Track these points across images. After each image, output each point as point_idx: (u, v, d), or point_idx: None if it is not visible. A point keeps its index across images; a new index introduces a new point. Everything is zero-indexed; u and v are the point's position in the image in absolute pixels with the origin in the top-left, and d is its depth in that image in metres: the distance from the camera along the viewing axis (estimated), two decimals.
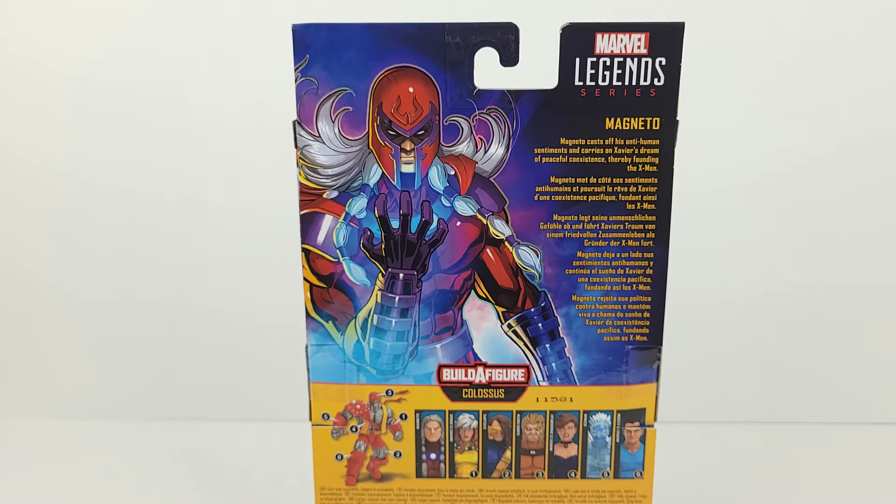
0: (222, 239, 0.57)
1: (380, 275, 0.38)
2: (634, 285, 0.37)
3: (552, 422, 0.40)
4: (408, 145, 0.36)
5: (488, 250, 0.38)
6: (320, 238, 0.37)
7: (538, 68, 0.36)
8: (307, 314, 0.38)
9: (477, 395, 0.39)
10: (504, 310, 0.38)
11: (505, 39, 0.34)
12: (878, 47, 0.53)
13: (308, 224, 0.37)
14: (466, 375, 0.39)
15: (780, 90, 0.53)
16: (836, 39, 0.53)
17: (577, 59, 0.34)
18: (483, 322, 0.38)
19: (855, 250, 0.56)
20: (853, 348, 0.57)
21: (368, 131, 0.36)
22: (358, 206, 0.37)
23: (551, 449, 0.40)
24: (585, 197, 0.36)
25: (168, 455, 0.55)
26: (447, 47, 0.34)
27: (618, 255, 0.37)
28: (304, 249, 0.37)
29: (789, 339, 0.57)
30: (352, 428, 0.40)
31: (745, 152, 0.55)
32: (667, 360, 0.47)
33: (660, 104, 0.34)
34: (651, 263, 0.37)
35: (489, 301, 0.38)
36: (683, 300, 0.52)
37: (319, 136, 0.36)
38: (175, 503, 0.49)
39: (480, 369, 0.39)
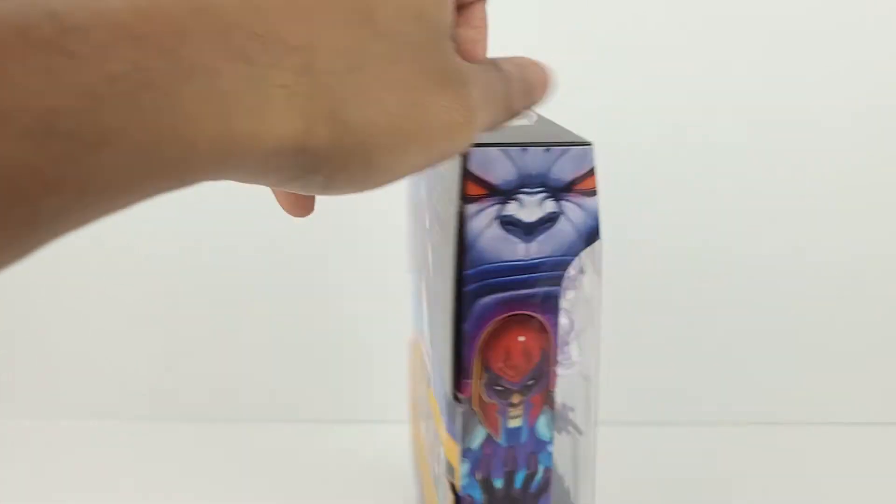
0: (222, 241, 0.56)
1: None
2: None
3: None
4: (516, 398, 0.31)
5: None
6: None
7: None
8: None
9: None
10: None
11: None
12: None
13: None
14: None
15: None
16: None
17: None
18: None
19: (855, 250, 0.56)
20: (853, 348, 0.57)
21: (473, 392, 0.30)
22: (461, 471, 0.31)
23: None
24: None
25: (168, 455, 0.54)
26: None
27: None
28: None
29: (789, 339, 0.57)
30: None
31: (743, 151, 0.55)
32: (667, 360, 0.50)
33: None
34: None
35: None
36: (683, 300, 0.53)
37: None
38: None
39: None
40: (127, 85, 0.15)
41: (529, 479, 0.32)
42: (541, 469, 0.32)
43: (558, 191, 0.29)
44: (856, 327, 0.56)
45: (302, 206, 0.26)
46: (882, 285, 0.56)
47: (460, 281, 0.29)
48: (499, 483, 0.32)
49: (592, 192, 0.29)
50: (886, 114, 0.54)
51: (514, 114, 0.24)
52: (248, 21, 0.17)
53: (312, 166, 0.19)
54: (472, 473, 0.32)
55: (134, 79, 0.15)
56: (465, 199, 0.28)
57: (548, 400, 0.32)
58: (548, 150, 0.28)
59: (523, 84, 0.24)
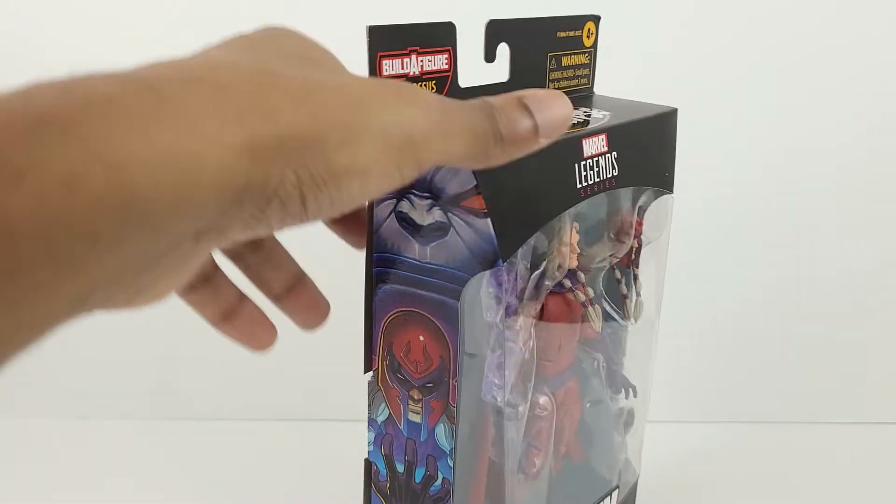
0: None
1: None
2: None
3: None
4: (416, 394, 0.32)
5: None
6: None
7: None
8: None
9: None
10: None
11: None
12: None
13: None
14: None
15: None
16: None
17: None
18: None
19: (855, 250, 0.55)
20: (853, 348, 0.57)
21: (378, 368, 0.32)
22: (367, 438, 0.34)
23: None
24: None
25: (169, 454, 0.54)
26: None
27: None
28: None
29: (789, 339, 0.57)
30: None
31: (743, 150, 0.55)
32: (667, 361, 0.45)
33: None
34: None
35: None
36: (683, 301, 0.49)
37: None
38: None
39: None
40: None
41: (429, 480, 0.33)
42: (440, 476, 0.32)
43: (446, 202, 0.28)
44: (856, 327, 0.56)
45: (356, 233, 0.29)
46: (882, 285, 0.56)
47: (370, 262, 0.31)
48: (400, 468, 0.33)
49: (482, 214, 0.27)
50: None
51: (504, 148, 0.22)
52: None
53: (265, 168, 0.18)
54: (376, 444, 0.34)
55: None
56: None
57: (447, 412, 0.31)
58: None
59: (518, 110, 0.23)
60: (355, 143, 0.19)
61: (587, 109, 0.35)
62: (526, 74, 0.35)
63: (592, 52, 0.39)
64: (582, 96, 0.38)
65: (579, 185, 0.31)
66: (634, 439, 0.42)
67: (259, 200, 0.18)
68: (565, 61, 0.37)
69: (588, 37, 0.38)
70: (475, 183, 0.27)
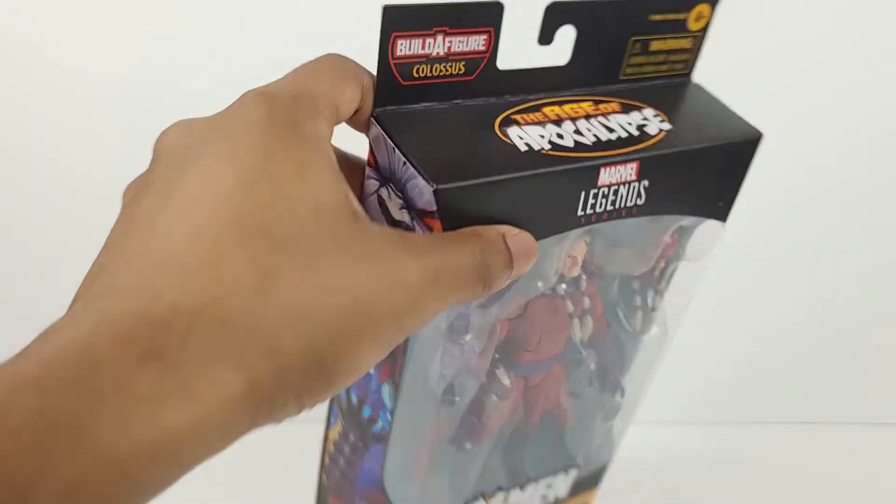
0: None
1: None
2: None
3: None
4: None
5: None
6: None
7: None
8: None
9: None
10: None
11: None
12: None
13: None
14: None
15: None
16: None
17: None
18: None
19: (855, 250, 0.55)
20: (853, 348, 0.57)
21: None
22: None
23: None
24: None
25: None
26: None
27: None
28: None
29: (789, 338, 0.57)
30: None
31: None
32: (668, 360, 0.46)
33: None
34: None
35: None
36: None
37: None
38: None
39: None
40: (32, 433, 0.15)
41: (372, 420, 0.35)
42: (381, 422, 0.34)
43: (413, 211, 0.27)
44: (856, 327, 0.55)
45: None
46: (882, 284, 0.55)
47: None
48: (354, 398, 0.36)
49: None
50: None
51: (493, 285, 0.24)
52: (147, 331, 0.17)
53: (269, 405, 0.19)
54: None
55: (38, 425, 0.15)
56: (368, 161, 0.29)
57: (393, 379, 0.32)
58: (405, 164, 0.26)
59: (503, 254, 0.25)
60: (352, 354, 0.20)
61: (646, 117, 0.31)
62: (594, 57, 0.31)
63: (699, 36, 0.33)
64: (665, 87, 0.34)
65: (580, 213, 0.29)
66: (614, 432, 0.41)
67: (259, 424, 0.19)
68: (655, 45, 0.33)
69: (698, 20, 0.33)
70: (433, 209, 0.26)
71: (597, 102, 0.31)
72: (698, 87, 0.34)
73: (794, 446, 0.55)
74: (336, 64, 0.26)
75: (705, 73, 0.35)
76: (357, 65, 0.27)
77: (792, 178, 0.51)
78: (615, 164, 0.28)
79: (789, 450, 0.55)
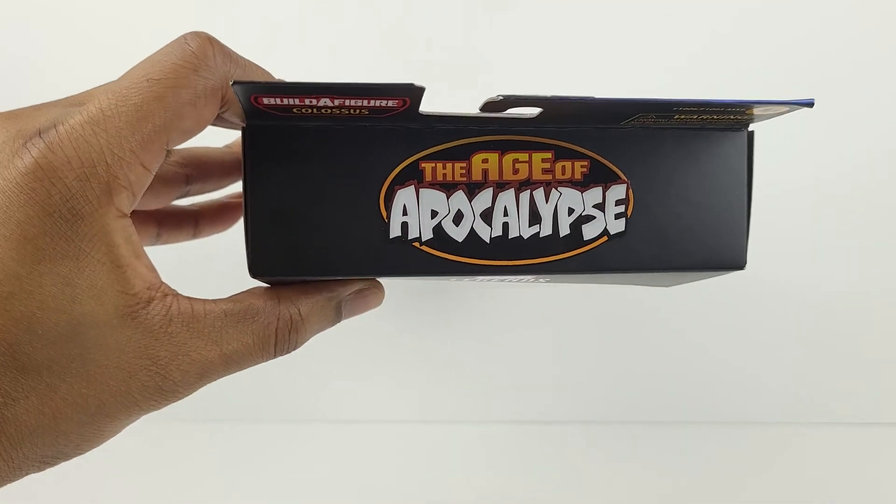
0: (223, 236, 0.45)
1: None
2: None
3: None
4: None
5: None
6: None
7: None
8: None
9: None
10: None
11: None
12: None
13: None
14: None
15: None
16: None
17: None
18: None
19: (855, 250, 0.55)
20: (853, 348, 0.57)
21: None
22: None
23: None
24: None
25: (169, 454, 0.53)
26: None
27: None
28: None
29: (788, 338, 0.57)
30: None
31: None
32: (667, 360, 0.51)
33: None
34: None
35: None
36: (684, 301, 0.52)
37: None
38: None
39: None
40: None
41: None
42: None
43: None
44: (856, 327, 0.56)
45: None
46: (881, 284, 0.55)
47: None
48: None
49: None
50: None
51: (289, 348, 0.25)
52: None
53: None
54: None
55: None
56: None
57: None
58: (244, 216, 0.23)
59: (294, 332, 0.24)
60: (97, 444, 0.24)
61: (605, 203, 0.24)
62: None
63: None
64: (687, 139, 0.25)
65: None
66: None
67: None
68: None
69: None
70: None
71: (559, 157, 0.24)
72: (736, 147, 0.25)
73: (795, 446, 0.54)
74: (192, 81, 0.21)
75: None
76: (225, 70, 0.21)
77: (792, 177, 0.50)
78: (503, 273, 0.24)
79: (789, 450, 0.54)
